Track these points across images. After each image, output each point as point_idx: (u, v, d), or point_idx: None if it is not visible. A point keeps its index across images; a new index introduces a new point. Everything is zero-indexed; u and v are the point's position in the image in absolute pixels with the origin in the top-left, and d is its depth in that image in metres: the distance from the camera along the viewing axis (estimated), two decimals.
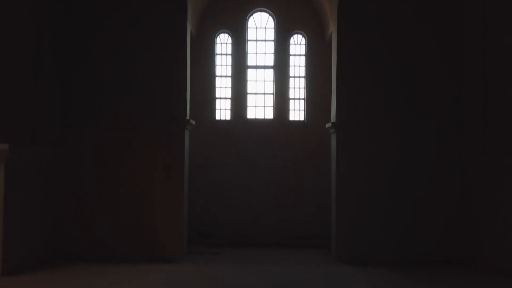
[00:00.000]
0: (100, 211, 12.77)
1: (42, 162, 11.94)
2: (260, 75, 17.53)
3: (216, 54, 17.44)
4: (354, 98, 13.03)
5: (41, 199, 11.97)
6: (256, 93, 17.48)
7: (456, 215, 12.83)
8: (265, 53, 17.55)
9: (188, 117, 13.24)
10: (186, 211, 13.19)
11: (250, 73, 17.49)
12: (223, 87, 17.48)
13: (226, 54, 17.50)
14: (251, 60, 17.50)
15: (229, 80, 17.43)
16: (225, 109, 17.45)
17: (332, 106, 13.43)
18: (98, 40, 13.11)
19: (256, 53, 17.54)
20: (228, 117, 17.37)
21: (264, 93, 17.49)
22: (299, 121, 17.39)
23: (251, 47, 17.55)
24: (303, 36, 17.51)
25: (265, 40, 17.57)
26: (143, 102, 12.98)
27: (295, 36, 17.58)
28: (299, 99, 17.53)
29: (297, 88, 17.55)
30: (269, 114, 17.45)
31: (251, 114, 17.42)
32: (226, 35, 17.50)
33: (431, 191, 12.86)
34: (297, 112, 17.52)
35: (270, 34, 17.55)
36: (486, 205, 12.04)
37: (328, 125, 13.51)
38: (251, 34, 17.56)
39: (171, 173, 12.87)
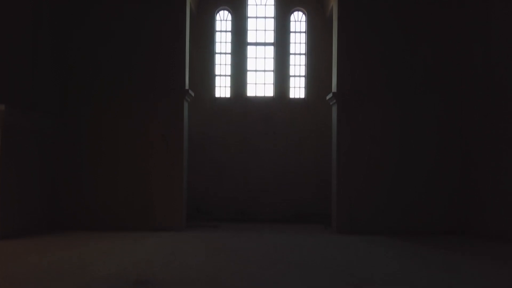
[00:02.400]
0: (98, 183, 12.63)
1: (40, 130, 11.80)
2: (260, 52, 17.41)
3: (216, 31, 17.31)
4: (356, 67, 12.88)
5: (38, 168, 11.83)
6: (256, 70, 17.34)
7: (458, 185, 12.69)
8: (265, 30, 17.41)
9: (187, 87, 13.10)
10: (185, 182, 13.05)
11: (250, 50, 17.36)
12: (222, 64, 17.35)
13: (226, 31, 17.37)
14: (251, 37, 17.37)
15: (228, 57, 17.30)
16: (225, 87, 17.32)
17: (333, 75, 13.28)
18: (97, 13, 12.96)
19: (256, 30, 17.41)
20: (228, 95, 17.23)
21: (264, 70, 17.35)
22: (299, 99, 17.25)
23: (251, 24, 17.42)
24: (304, 13, 17.38)
25: (265, 17, 17.43)
26: (142, 73, 12.85)
27: (296, 13, 17.45)
28: (299, 76, 17.39)
29: (298, 65, 17.42)
30: (269, 91, 17.31)
31: (251, 91, 17.28)
32: (226, 12, 17.37)
33: (434, 163, 12.71)
34: (297, 89, 17.38)
35: (270, 11, 17.42)
36: (488, 174, 11.91)
37: (328, 96, 13.37)
38: (251, 11, 17.43)
39: (170, 144, 12.73)
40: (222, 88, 17.31)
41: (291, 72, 17.31)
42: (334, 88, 13.12)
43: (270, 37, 17.36)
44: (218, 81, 17.29)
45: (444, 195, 12.67)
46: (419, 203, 12.63)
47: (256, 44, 17.36)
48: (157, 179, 12.66)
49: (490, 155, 11.85)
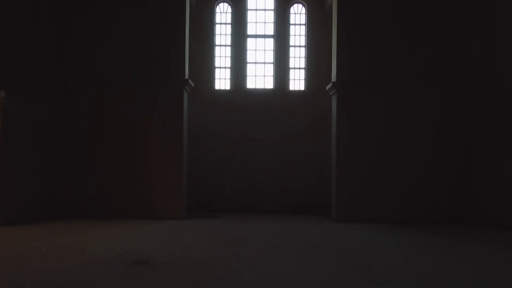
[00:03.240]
0: (98, 173, 12.67)
1: (40, 119, 11.82)
2: (260, 44, 17.44)
3: (216, 23, 17.33)
4: (355, 57, 12.90)
5: (38, 156, 11.85)
6: (255, 63, 17.36)
7: (458, 177, 12.70)
8: (265, 23, 17.44)
9: (187, 76, 13.12)
10: (185, 172, 13.07)
11: (250, 42, 17.38)
12: (222, 57, 17.37)
13: (225, 24, 17.39)
14: (251, 30, 17.39)
15: (228, 49, 17.32)
16: (225, 79, 17.34)
17: (333, 65, 13.30)
18: (97, 12, 12.99)
19: (256, 22, 17.43)
20: (228, 87, 17.25)
21: (264, 63, 17.38)
22: (299, 91, 17.27)
23: (251, 16, 17.44)
24: (303, 5, 17.39)
25: (265, 10, 17.45)
26: (143, 63, 12.89)
27: (295, 5, 17.47)
28: (299, 68, 17.41)
29: (297, 57, 17.45)
30: (269, 83, 17.33)
31: (250, 83, 17.30)
32: (226, 4, 17.38)
33: (433, 155, 12.71)
34: (297, 81, 17.41)
35: (270, 3, 17.43)
36: (487, 167, 11.93)
37: (328, 86, 13.38)
38: (251, 3, 17.45)
39: (170, 134, 12.75)
40: (222, 80, 17.33)
41: (291, 65, 17.33)
42: (334, 77, 13.14)
43: (270, 29, 17.38)
44: (218, 73, 17.31)
45: (444, 187, 12.68)
46: (418, 194, 12.65)
47: (256, 36, 17.38)
48: (157, 169, 12.68)
49: (490, 149, 11.85)
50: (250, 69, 17.32)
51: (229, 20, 17.37)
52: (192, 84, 13.58)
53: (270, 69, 17.34)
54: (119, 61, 12.89)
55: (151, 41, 12.96)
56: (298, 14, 17.47)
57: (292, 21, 17.43)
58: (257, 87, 17.28)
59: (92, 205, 12.61)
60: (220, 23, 17.39)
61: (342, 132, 12.82)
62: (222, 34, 17.40)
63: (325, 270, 6.30)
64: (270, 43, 17.36)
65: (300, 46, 17.41)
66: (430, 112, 12.78)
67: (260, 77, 17.38)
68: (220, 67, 17.32)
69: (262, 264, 6.70)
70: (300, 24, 17.44)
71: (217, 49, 17.33)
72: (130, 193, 12.65)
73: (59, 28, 12.77)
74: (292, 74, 17.36)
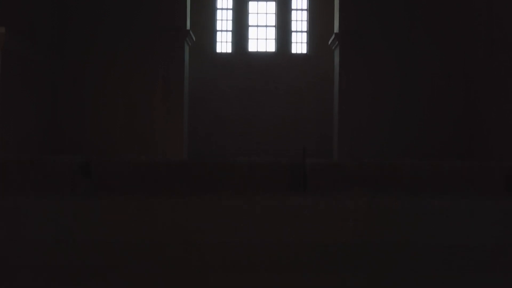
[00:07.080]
0: (98, 120, 12.59)
1: (39, 59, 11.71)
2: (261, 7, 17.30)
3: None
4: (357, 8, 12.76)
5: (36, 98, 11.74)
6: (257, 26, 17.25)
7: (461, 120, 12.64)
8: None
9: (188, 27, 13.01)
10: (186, 125, 12.97)
11: (252, 5, 17.25)
12: (224, 20, 17.25)
13: None
14: None
15: (230, 12, 17.19)
16: (226, 42, 17.22)
17: (335, 18, 13.18)
18: None
19: None
20: (229, 50, 17.13)
21: (266, 26, 17.26)
22: (301, 54, 17.13)
23: None
24: None
25: None
26: (144, 14, 12.78)
27: None
28: (301, 31, 17.28)
29: (300, 20, 17.32)
30: (271, 47, 17.21)
31: (252, 46, 17.18)
32: None
33: (436, 98, 12.65)
34: (299, 44, 17.28)
35: None
36: (491, 108, 11.82)
37: (331, 39, 13.26)
38: None
39: (171, 86, 12.64)
40: (223, 44, 17.20)
41: (293, 28, 17.20)
42: (336, 29, 13.02)
43: None
44: (219, 36, 17.19)
45: (447, 132, 12.61)
46: (421, 139, 12.57)
47: None
48: (158, 118, 12.58)
49: (493, 92, 11.73)
50: (252, 32, 17.20)
51: None
52: (194, 38, 13.47)
53: (272, 32, 17.22)
54: (121, 10, 12.78)
55: None
56: None
57: None
58: (259, 50, 17.15)
59: (94, 151, 12.52)
60: None
61: (344, 83, 12.71)
62: None
63: None
64: (272, 6, 17.23)
65: (302, 10, 17.28)
66: (431, 58, 12.66)
67: (262, 40, 17.26)
68: (221, 31, 17.20)
69: None
70: None
71: (218, 12, 17.20)
72: (133, 143, 12.55)
73: None
74: (294, 37, 17.23)
